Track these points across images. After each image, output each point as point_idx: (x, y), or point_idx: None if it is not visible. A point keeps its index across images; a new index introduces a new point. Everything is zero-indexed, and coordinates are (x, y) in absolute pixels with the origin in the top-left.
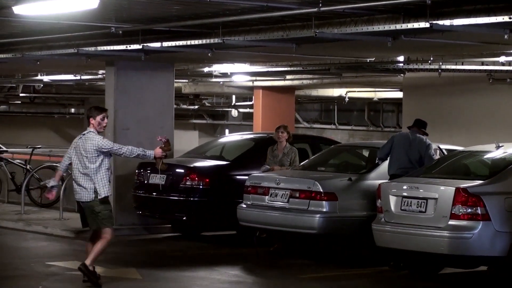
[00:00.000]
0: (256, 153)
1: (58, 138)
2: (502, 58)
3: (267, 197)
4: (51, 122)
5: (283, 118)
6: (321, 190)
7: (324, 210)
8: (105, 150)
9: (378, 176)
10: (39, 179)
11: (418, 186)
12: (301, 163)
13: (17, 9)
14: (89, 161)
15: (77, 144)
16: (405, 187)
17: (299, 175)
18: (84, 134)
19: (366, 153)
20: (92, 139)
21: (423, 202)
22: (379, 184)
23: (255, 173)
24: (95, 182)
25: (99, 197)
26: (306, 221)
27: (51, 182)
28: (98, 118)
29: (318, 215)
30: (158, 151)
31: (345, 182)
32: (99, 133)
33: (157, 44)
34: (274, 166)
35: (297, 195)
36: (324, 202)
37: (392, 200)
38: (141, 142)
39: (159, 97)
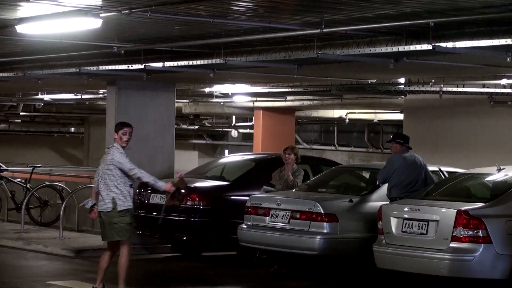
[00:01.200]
0: (256, 173)
1: (57, 157)
2: (504, 81)
3: (267, 217)
4: (51, 141)
5: (283, 139)
6: (322, 211)
7: (325, 231)
8: (119, 166)
9: (379, 198)
10: (39, 198)
11: (420, 208)
12: (302, 184)
13: (20, 28)
14: (111, 173)
15: (103, 156)
16: (406, 209)
17: (300, 196)
18: (108, 148)
19: (366, 174)
20: (111, 153)
21: (424, 224)
22: (380, 206)
23: (256, 193)
24: (115, 194)
25: (118, 209)
26: (306, 242)
27: (90, 202)
28: (120, 133)
29: (318, 236)
30: (169, 186)
31: (346, 203)
32: (124, 147)
33: (159, 64)
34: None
35: (298, 216)
36: (325, 223)
37: (393, 222)
38: (142, 161)
39: (160, 116)
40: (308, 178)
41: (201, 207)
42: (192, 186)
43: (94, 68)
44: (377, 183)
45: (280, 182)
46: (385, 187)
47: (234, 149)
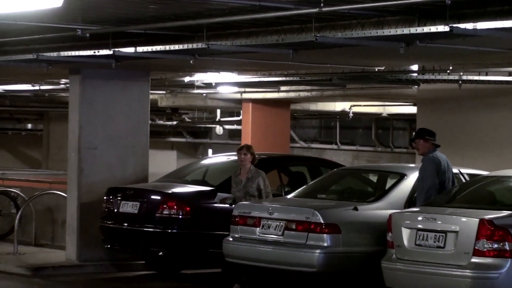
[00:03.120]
0: None
1: (12, 158)
2: None
3: (258, 229)
4: (4, 140)
5: (276, 137)
6: (322, 221)
7: (325, 244)
8: None
9: (388, 205)
10: None
11: (436, 217)
12: (298, 190)
13: None
14: None
15: None
16: (420, 219)
17: (296, 204)
18: None
19: (374, 178)
20: None
21: (442, 236)
22: (390, 215)
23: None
24: None
25: None
26: (303, 257)
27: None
28: None
29: (318, 251)
30: None
31: (350, 212)
32: None
33: (130, 49)
34: (238, 197)
35: (294, 226)
36: (325, 235)
37: (405, 233)
38: (111, 164)
39: (132, 111)
40: (306, 182)
41: (180, 216)
42: (169, 192)
43: (55, 54)
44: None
45: (237, 188)
46: (396, 193)
47: (219, 149)
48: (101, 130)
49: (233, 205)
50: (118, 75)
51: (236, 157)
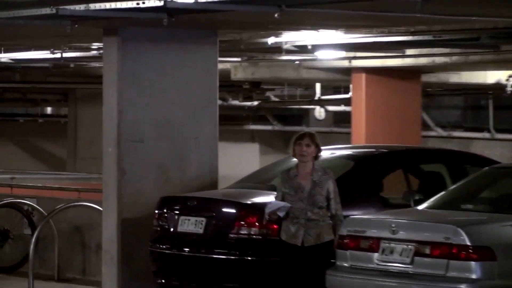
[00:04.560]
0: (356, 181)
1: (25, 157)
2: None
3: (376, 254)
4: (13, 130)
5: (401, 121)
6: (468, 243)
7: (474, 276)
8: None
9: None
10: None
11: None
12: (434, 198)
13: None
14: None
15: None
16: None
17: (431, 218)
18: None
19: None
20: None
21: None
22: None
23: (355, 215)
24: None
25: None
26: None
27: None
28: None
29: (463, 285)
30: None
31: (509, 229)
32: None
33: None
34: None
35: (428, 251)
36: (473, 262)
37: None
38: (164, 163)
39: (193, 87)
40: (444, 188)
41: (264, 237)
42: (249, 202)
43: (82, 6)
44: None
45: (297, 197)
46: None
47: (320, 140)
48: (150, 115)
49: (286, 218)
50: (172, 36)
51: (343, 152)
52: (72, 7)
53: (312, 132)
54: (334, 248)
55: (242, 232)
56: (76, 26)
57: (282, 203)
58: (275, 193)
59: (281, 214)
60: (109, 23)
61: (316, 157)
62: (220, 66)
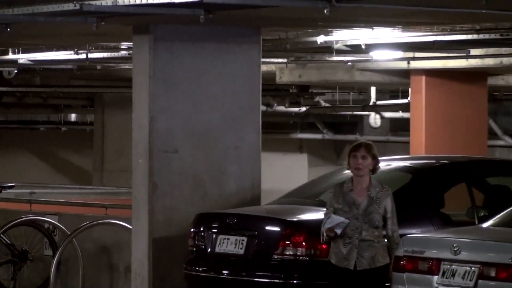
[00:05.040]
0: (414, 195)
1: (46, 168)
2: None
3: (436, 277)
4: (33, 139)
5: (465, 129)
6: None
7: None
8: None
9: None
10: (10, 246)
11: None
12: (501, 214)
13: None
14: None
15: None
16: None
17: (497, 237)
18: None
19: None
20: None
21: None
22: None
23: (413, 233)
24: None
25: None
26: None
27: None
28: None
29: None
30: None
31: None
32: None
33: None
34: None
35: (493, 273)
36: None
37: None
38: (200, 176)
39: (233, 91)
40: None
41: (311, 258)
42: (295, 219)
43: (109, 2)
44: None
45: (352, 214)
46: None
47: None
48: (185, 122)
49: (341, 236)
50: (210, 35)
51: (400, 164)
52: (98, 2)
53: (369, 142)
54: (390, 274)
55: (287, 252)
56: (103, 23)
57: (341, 218)
58: (324, 209)
59: (339, 231)
60: (140, 20)
61: (374, 170)
62: (264, 68)
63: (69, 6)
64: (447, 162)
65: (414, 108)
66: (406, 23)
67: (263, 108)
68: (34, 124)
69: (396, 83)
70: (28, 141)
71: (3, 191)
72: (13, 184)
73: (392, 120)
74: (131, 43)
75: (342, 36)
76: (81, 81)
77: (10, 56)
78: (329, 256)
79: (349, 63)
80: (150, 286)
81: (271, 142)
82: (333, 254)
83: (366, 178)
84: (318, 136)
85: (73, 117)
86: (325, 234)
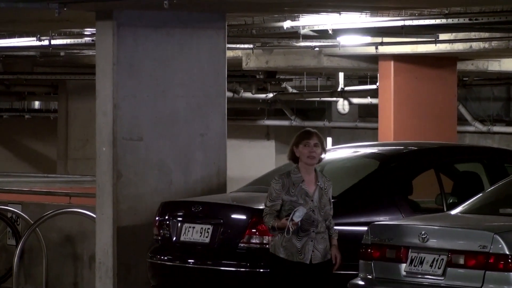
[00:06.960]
0: (382, 182)
1: (10, 157)
2: None
3: (404, 265)
4: None
5: (434, 115)
6: (508, 252)
7: None
8: None
9: None
10: None
11: None
12: (469, 201)
13: None
14: None
15: None
16: None
17: (465, 224)
18: None
19: None
20: None
21: None
22: None
23: (381, 221)
24: None
25: None
26: None
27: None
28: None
29: None
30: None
31: None
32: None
33: None
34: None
35: (462, 261)
36: None
37: None
38: (165, 164)
39: (199, 77)
40: (481, 190)
41: None
42: (261, 208)
43: None
44: None
45: (308, 206)
46: None
47: (343, 136)
48: (149, 109)
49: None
50: (174, 20)
51: (369, 150)
52: None
53: (316, 131)
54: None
55: (253, 241)
56: (65, 9)
57: (305, 210)
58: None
59: (293, 227)
60: (103, 6)
61: (320, 160)
62: (230, 54)
63: None
64: (416, 148)
65: (382, 94)
66: (374, 8)
67: (229, 94)
68: None
69: (364, 69)
70: None
71: None
72: None
73: (361, 106)
74: (95, 29)
75: (309, 21)
76: (45, 68)
77: None
78: (273, 250)
79: (316, 49)
80: (115, 275)
81: (238, 129)
82: (281, 248)
83: (313, 168)
84: (285, 122)
85: (36, 104)
86: (292, 227)
